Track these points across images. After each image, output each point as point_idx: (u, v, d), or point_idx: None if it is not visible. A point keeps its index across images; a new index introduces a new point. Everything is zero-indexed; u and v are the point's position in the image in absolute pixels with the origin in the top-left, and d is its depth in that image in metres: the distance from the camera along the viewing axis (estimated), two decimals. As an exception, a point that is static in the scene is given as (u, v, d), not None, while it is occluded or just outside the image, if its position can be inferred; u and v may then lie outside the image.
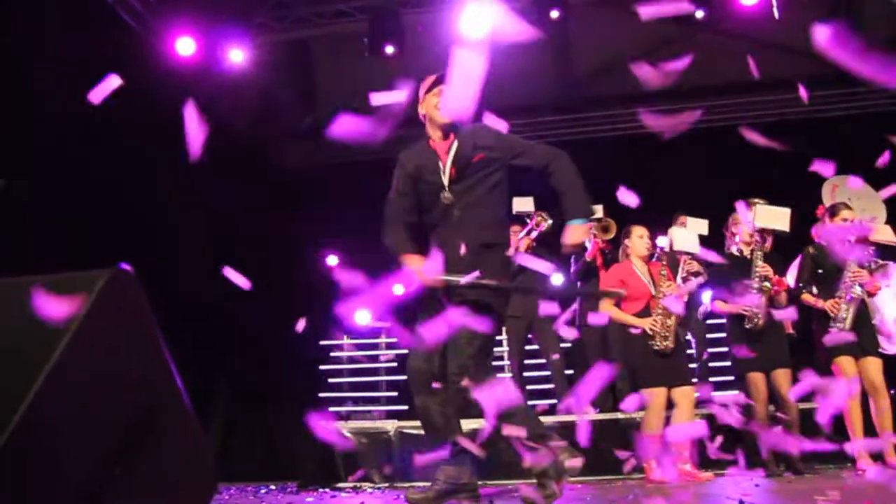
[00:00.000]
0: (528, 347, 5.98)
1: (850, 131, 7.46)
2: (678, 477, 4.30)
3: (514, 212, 5.83)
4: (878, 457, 4.39)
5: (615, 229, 5.64)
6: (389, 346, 7.14)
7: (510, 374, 5.98)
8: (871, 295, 4.49)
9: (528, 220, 5.76)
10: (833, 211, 4.69)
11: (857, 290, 4.38)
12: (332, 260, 7.77)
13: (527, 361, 6.12)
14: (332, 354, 7.11)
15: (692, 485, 4.01)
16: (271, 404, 7.85)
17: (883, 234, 4.50)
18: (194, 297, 7.38)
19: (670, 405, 4.51)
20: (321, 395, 6.92)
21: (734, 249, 4.70)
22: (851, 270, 4.40)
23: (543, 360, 5.94)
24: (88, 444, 1.56)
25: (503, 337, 6.66)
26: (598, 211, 5.67)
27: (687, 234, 4.59)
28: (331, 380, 7.03)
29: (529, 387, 6.08)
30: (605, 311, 4.63)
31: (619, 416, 5.43)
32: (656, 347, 4.37)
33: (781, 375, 4.43)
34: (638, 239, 4.64)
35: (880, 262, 4.85)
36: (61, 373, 1.50)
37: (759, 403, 4.43)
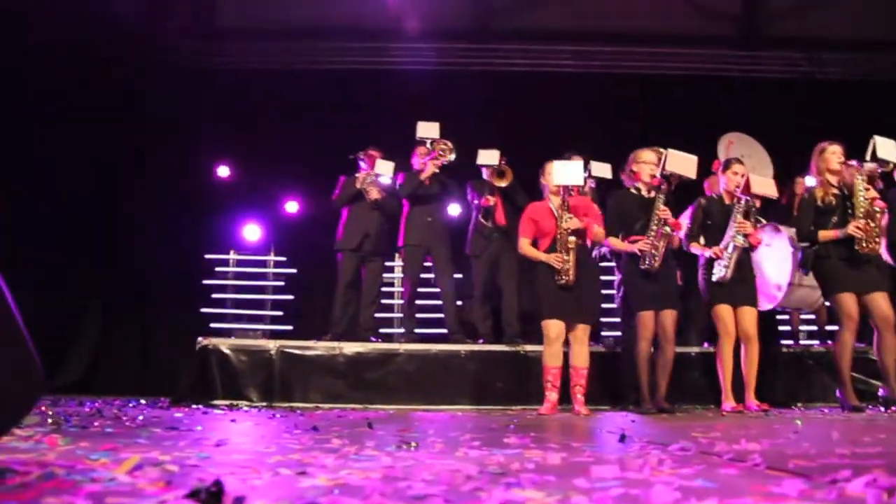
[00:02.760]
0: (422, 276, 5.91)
1: (749, 92, 7.74)
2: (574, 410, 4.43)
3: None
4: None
5: (511, 176, 5.59)
6: (278, 264, 6.89)
7: (401, 302, 5.92)
8: (752, 247, 4.67)
9: (432, 148, 5.60)
10: (726, 165, 4.83)
11: (740, 239, 4.54)
12: (223, 171, 7.36)
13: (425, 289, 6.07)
14: (217, 269, 6.79)
15: (569, 418, 4.10)
16: (149, 318, 7.49)
17: (762, 186, 4.66)
18: (70, 210, 6.90)
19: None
20: (202, 310, 6.62)
21: (633, 189, 4.75)
22: (737, 221, 4.56)
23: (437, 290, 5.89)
24: None
25: (397, 263, 6.58)
26: (495, 157, 5.59)
27: (565, 166, 4.54)
28: (214, 295, 6.73)
29: (425, 315, 6.03)
30: (523, 253, 4.63)
31: (506, 348, 5.50)
32: (560, 282, 4.41)
33: (669, 316, 4.58)
34: (548, 175, 4.60)
35: (763, 220, 5.06)
36: None
37: (645, 342, 4.56)
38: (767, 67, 7.86)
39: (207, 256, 6.85)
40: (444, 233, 5.78)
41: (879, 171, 4.59)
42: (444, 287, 5.74)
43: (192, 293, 6.84)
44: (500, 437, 2.63)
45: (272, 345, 5.44)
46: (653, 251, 4.46)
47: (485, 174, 5.70)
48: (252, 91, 7.43)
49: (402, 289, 6.20)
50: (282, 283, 6.89)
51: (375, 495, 1.12)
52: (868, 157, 4.48)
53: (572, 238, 4.43)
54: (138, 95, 7.35)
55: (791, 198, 6.01)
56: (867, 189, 4.43)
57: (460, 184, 5.86)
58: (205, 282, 6.77)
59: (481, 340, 5.68)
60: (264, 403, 5.18)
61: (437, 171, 5.63)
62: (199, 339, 5.43)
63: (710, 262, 4.64)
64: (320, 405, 5.19)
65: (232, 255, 6.78)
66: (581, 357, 4.53)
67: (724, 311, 4.60)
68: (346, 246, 5.75)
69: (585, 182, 5.18)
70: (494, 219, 5.64)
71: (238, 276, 6.78)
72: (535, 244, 4.63)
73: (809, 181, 5.90)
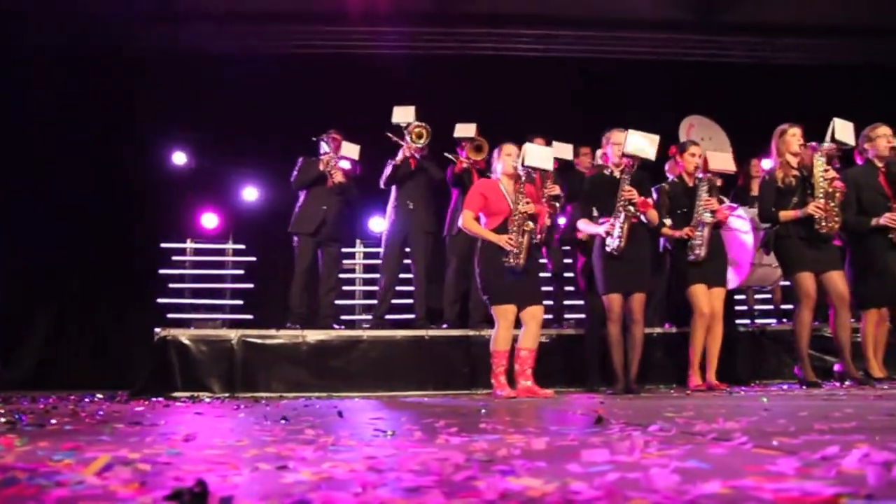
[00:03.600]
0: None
1: (709, 76, 7.85)
2: (521, 393, 4.41)
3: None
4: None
5: (487, 149, 5.54)
6: (237, 252, 6.74)
7: (379, 288, 5.83)
8: (720, 223, 4.73)
9: (406, 131, 5.56)
10: (682, 148, 4.87)
11: (708, 216, 4.59)
12: (179, 157, 7.14)
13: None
14: (173, 258, 6.61)
15: (536, 401, 4.10)
16: (104, 310, 7.26)
17: (719, 162, 4.71)
18: (22, 198, 6.65)
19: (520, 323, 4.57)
20: (160, 300, 6.44)
21: (605, 171, 4.76)
22: (702, 198, 4.60)
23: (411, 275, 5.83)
24: None
25: (358, 249, 6.49)
26: (472, 130, 5.54)
27: (540, 150, 4.54)
28: (171, 285, 6.55)
29: (394, 301, 5.96)
30: (465, 226, 4.56)
31: (470, 332, 5.48)
32: (509, 264, 4.37)
33: (637, 299, 4.61)
34: (506, 157, 4.57)
35: (727, 200, 5.12)
36: None
37: (614, 324, 4.59)
38: (726, 52, 7.98)
39: (164, 245, 6.65)
40: (425, 220, 5.70)
41: (837, 152, 4.69)
42: (419, 274, 5.68)
43: (148, 283, 6.65)
44: (475, 422, 2.61)
45: (233, 334, 5.33)
46: (617, 232, 4.46)
47: (462, 155, 5.62)
48: (210, 76, 7.21)
49: (374, 275, 6.12)
50: (241, 272, 6.75)
51: (369, 489, 1.07)
52: (827, 139, 4.57)
53: (529, 222, 4.40)
54: (92, 80, 7.08)
55: (747, 179, 6.12)
56: (826, 170, 4.51)
57: (444, 168, 5.79)
58: (161, 271, 6.58)
59: (445, 325, 5.65)
60: (227, 394, 5.08)
61: (415, 156, 5.57)
62: (157, 330, 5.29)
63: (682, 244, 4.68)
64: (284, 394, 5.10)
65: (189, 244, 6.62)
66: (534, 339, 4.52)
67: (699, 291, 4.66)
68: (302, 229, 5.63)
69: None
70: None
71: (196, 264, 6.61)
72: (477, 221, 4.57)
73: (765, 163, 6.02)
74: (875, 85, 7.66)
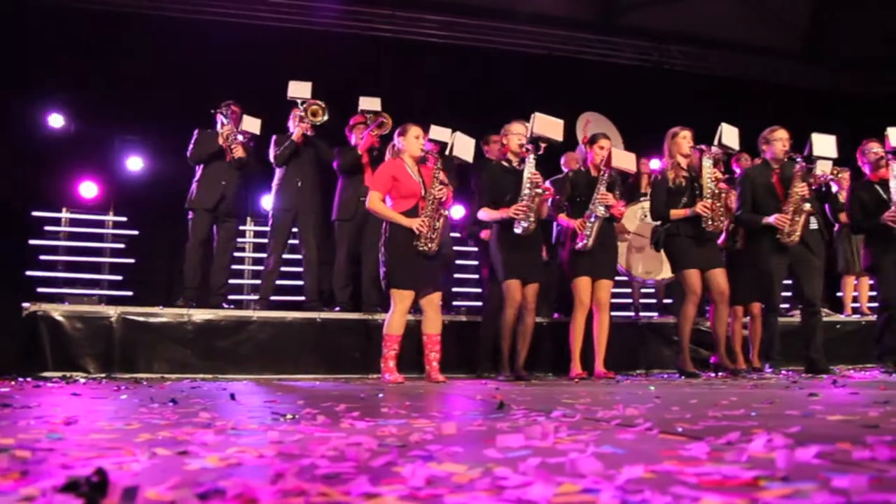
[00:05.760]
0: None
1: (604, 75, 8.12)
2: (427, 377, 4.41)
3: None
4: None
5: (389, 127, 5.46)
6: (117, 224, 6.33)
7: (265, 268, 5.63)
8: (615, 218, 4.90)
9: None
10: (592, 140, 5.00)
11: (601, 209, 4.73)
12: (55, 120, 6.58)
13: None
14: (46, 228, 6.12)
15: (429, 385, 4.10)
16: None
17: (622, 160, 4.88)
18: None
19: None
20: (28, 273, 5.95)
21: (503, 161, 4.80)
22: (599, 192, 4.74)
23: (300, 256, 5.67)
24: None
25: (249, 227, 6.26)
26: (377, 104, 5.44)
27: (467, 140, 4.56)
28: (43, 257, 6.06)
29: (280, 282, 5.78)
30: (373, 208, 4.46)
31: (363, 316, 5.42)
32: (421, 248, 4.33)
33: (532, 288, 4.69)
34: (413, 139, 4.50)
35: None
36: None
37: (511, 310, 4.65)
38: (621, 53, 8.28)
39: (35, 214, 6.14)
40: (314, 199, 5.55)
41: (723, 156, 4.96)
42: (308, 254, 5.54)
43: (15, 254, 6.11)
44: (376, 406, 2.57)
45: (112, 311, 5.00)
46: (528, 213, 4.51)
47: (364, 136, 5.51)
48: (92, 32, 6.67)
49: (263, 254, 5.90)
50: (121, 246, 6.35)
51: (289, 476, 1.00)
52: (715, 143, 4.82)
53: (445, 212, 4.39)
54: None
55: (637, 177, 6.38)
56: (713, 172, 4.76)
57: (333, 147, 5.64)
58: (32, 242, 6.08)
59: (338, 308, 5.56)
60: (103, 375, 4.76)
61: (305, 133, 5.42)
62: (25, 304, 4.88)
63: (574, 234, 4.80)
64: (166, 375, 4.85)
65: (64, 214, 6.15)
66: (437, 324, 4.53)
67: (582, 283, 4.79)
68: (200, 205, 5.38)
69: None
70: (364, 182, 5.50)
71: (71, 236, 6.15)
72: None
73: (653, 164, 6.30)
74: (757, 97, 8.17)
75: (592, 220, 4.71)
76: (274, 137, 5.50)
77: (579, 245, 4.71)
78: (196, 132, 5.48)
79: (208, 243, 5.46)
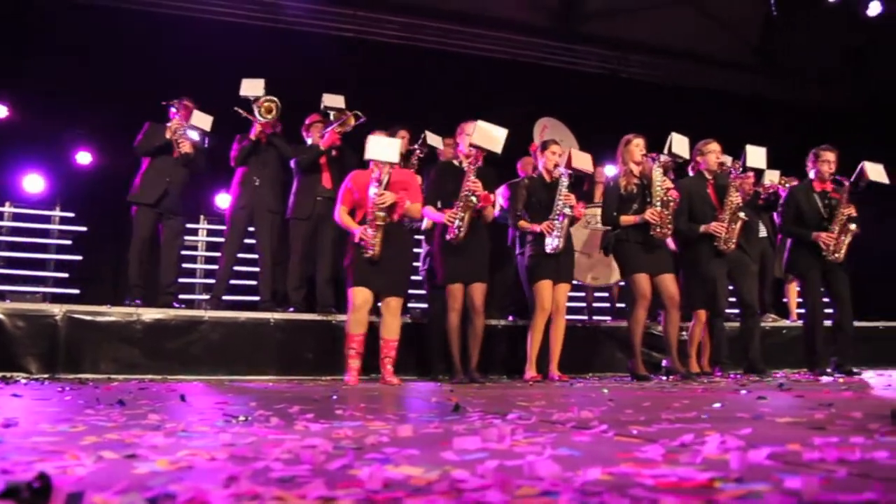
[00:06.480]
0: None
1: (563, 81, 8.21)
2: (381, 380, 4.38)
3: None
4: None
5: (352, 125, 5.41)
6: (64, 220, 6.14)
7: (218, 267, 5.52)
8: (576, 219, 4.94)
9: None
10: (544, 146, 5.05)
11: (567, 210, 4.77)
12: (-1, 111, 6.36)
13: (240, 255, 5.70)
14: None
15: (384, 388, 4.08)
16: None
17: (581, 161, 4.94)
18: None
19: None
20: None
21: (455, 161, 4.81)
22: (562, 193, 4.77)
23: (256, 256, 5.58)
24: None
25: (202, 226, 6.13)
26: (341, 101, 5.39)
27: (387, 142, 4.52)
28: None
29: (234, 282, 5.67)
30: (337, 220, 4.49)
31: (316, 317, 5.36)
32: (365, 255, 4.34)
33: (478, 289, 4.70)
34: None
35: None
36: None
37: (454, 313, 4.66)
38: (580, 61, 8.39)
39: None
40: (271, 198, 5.47)
41: (673, 164, 5.06)
42: (263, 253, 5.45)
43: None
44: (330, 408, 2.54)
45: (57, 309, 4.83)
46: (458, 221, 4.53)
47: (326, 132, 5.44)
48: (43, 21, 6.45)
49: (216, 253, 5.78)
50: (68, 242, 6.16)
51: (243, 479, 0.98)
52: (665, 151, 4.92)
53: (381, 214, 4.37)
54: None
55: (591, 184, 6.45)
56: (663, 180, 4.86)
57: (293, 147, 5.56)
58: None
59: (291, 309, 5.48)
60: (46, 375, 4.60)
61: (265, 132, 5.34)
62: None
63: (538, 238, 4.80)
64: (113, 376, 4.71)
65: (7, 208, 5.94)
66: (392, 329, 4.52)
67: (545, 287, 4.80)
68: (142, 199, 5.24)
69: (413, 155, 5.21)
70: (321, 181, 5.44)
71: (14, 231, 5.94)
72: (353, 213, 4.54)
73: (608, 170, 6.38)
74: (710, 106, 8.36)
75: (560, 220, 4.74)
76: (237, 136, 5.40)
77: (550, 249, 4.72)
78: (147, 124, 5.34)
79: (153, 241, 5.32)
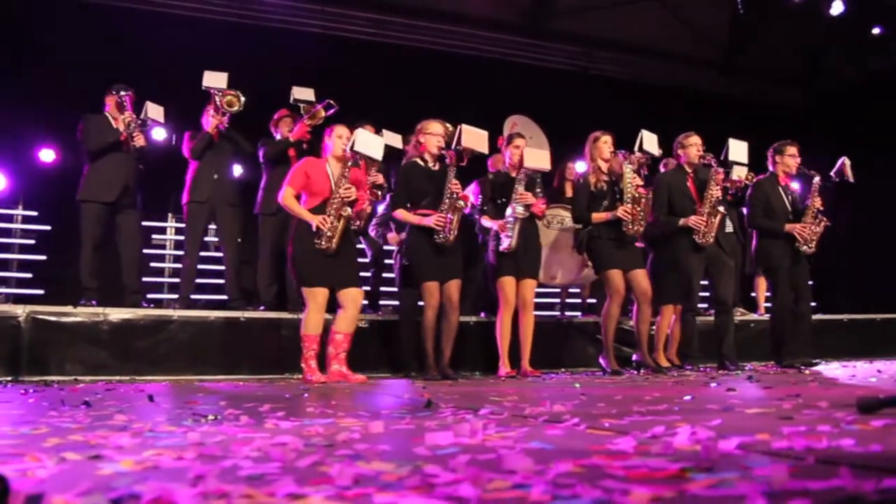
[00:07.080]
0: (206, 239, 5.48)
1: (532, 78, 8.23)
2: (333, 377, 4.34)
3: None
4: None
5: (322, 118, 5.36)
6: (27, 219, 6.00)
7: (183, 266, 5.43)
8: (537, 216, 4.95)
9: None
10: (508, 140, 5.06)
11: (521, 209, 4.77)
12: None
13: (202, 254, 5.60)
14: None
15: (353, 386, 4.05)
16: None
17: (534, 159, 4.94)
18: None
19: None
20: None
21: (419, 160, 4.77)
22: (517, 192, 4.78)
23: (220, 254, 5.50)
24: None
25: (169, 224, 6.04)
26: (311, 94, 5.33)
27: (370, 137, 4.50)
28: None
29: (203, 280, 5.58)
30: (283, 202, 4.41)
31: (287, 315, 5.31)
32: (320, 246, 4.30)
33: (454, 286, 4.70)
34: (337, 138, 4.47)
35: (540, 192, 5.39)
36: None
37: (431, 310, 4.64)
38: (549, 57, 8.42)
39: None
40: (231, 192, 5.38)
41: (644, 161, 5.10)
42: (228, 250, 5.37)
43: None
44: (300, 406, 2.51)
45: (20, 310, 4.71)
46: (448, 225, 4.53)
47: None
48: (4, 13, 6.28)
49: (179, 251, 5.68)
50: (31, 242, 6.02)
51: (210, 478, 0.96)
52: (636, 149, 4.95)
53: (347, 207, 4.34)
54: None
55: (561, 181, 6.47)
56: (634, 177, 4.89)
57: (253, 141, 5.48)
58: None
59: (262, 307, 5.42)
60: (9, 378, 4.49)
61: (222, 124, 5.25)
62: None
63: (497, 235, 4.82)
64: (79, 378, 4.61)
65: (-33, 207, 5.79)
66: (353, 322, 4.47)
67: (507, 283, 4.82)
68: (98, 197, 5.06)
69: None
70: None
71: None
72: (297, 199, 4.46)
73: (579, 166, 6.41)
74: (677, 104, 8.45)
75: (512, 220, 4.75)
76: (187, 133, 5.30)
77: (503, 247, 4.73)
78: (85, 119, 5.16)
79: (106, 239, 5.18)
